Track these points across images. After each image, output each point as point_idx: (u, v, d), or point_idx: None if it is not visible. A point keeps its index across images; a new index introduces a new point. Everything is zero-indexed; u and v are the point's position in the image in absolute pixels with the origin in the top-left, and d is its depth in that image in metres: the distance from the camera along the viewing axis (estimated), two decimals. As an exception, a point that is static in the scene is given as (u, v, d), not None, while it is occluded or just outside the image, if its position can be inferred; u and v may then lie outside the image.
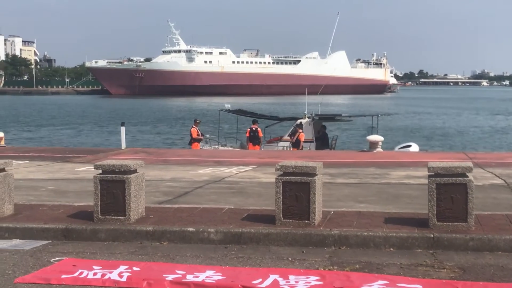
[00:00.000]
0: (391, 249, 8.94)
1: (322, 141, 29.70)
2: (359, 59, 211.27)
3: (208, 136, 31.85)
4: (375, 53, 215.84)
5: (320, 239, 9.16)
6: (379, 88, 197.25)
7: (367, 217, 10.19)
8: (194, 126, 29.47)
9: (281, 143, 29.19)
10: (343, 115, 33.75)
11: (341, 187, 14.59)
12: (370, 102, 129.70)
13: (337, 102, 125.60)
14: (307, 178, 9.61)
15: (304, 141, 28.17)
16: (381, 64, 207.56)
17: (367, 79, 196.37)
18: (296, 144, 27.52)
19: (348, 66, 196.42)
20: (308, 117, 29.97)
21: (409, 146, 28.35)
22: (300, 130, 27.96)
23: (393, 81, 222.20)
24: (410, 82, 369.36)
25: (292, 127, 29.46)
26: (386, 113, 39.27)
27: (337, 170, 17.74)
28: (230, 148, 29.49)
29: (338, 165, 18.98)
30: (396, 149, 28.76)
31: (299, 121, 29.75)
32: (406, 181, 15.69)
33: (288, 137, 29.11)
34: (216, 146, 30.30)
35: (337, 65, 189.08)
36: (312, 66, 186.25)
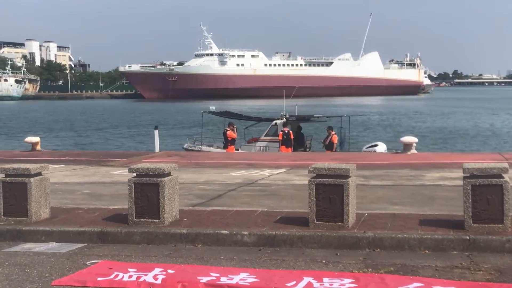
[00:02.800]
0: (426, 251, 8.86)
1: (297, 141, 30.20)
2: (392, 60, 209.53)
3: (196, 137, 33.18)
4: (408, 54, 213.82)
5: (354, 241, 9.11)
6: (412, 89, 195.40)
7: (401, 219, 10.11)
8: (228, 129, 29.69)
9: (258, 143, 30.03)
10: (314, 115, 34.59)
11: (375, 189, 14.50)
12: (404, 103, 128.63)
13: (369, 104, 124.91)
14: (341, 180, 9.57)
15: (277, 141, 29.07)
16: (414, 65, 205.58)
17: (401, 80, 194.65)
18: (329, 146, 27.34)
19: (381, 67, 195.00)
20: (287, 118, 30.66)
21: (376, 145, 28.84)
22: (333, 132, 27.82)
23: (427, 82, 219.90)
24: (444, 83, 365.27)
25: (269, 127, 30.52)
26: (359, 113, 39.54)
27: (371, 172, 17.63)
28: (217, 149, 30.30)
29: (371, 167, 18.87)
30: (364, 148, 29.02)
31: (274, 122, 30.52)
32: (441, 183, 15.53)
33: (266, 137, 30.23)
34: (201, 146, 31.35)
35: (370, 67, 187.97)
36: (344, 67, 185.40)
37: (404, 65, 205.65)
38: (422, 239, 8.97)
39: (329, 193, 9.60)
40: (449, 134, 56.21)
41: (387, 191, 14.21)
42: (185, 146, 33.68)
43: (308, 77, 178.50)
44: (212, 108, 34.79)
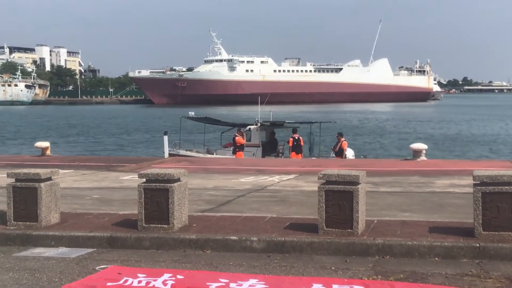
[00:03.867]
0: (436, 258, 8.83)
1: (270, 146, 31.07)
2: (402, 67, 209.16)
3: (175, 141, 34.00)
4: (418, 61, 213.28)
5: (363, 248, 9.09)
6: (422, 95, 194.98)
7: (411, 226, 10.08)
8: (237, 134, 29.79)
9: (231, 147, 30.54)
10: (286, 121, 35.20)
11: (385, 196, 14.47)
12: (413, 110, 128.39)
13: (378, 110, 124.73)
14: (350, 186, 9.56)
15: (251, 145, 30.04)
16: (424, 71, 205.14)
17: (410, 87, 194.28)
18: (339, 153, 27.28)
19: (391, 74, 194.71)
20: (260, 124, 31.44)
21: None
22: (343, 139, 27.79)
23: (436, 88, 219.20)
24: (454, 90, 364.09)
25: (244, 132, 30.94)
26: (329, 120, 40.37)
27: (381, 179, 17.59)
28: (196, 154, 31.02)
29: (381, 174, 18.83)
30: (332, 154, 29.34)
31: (248, 127, 31.24)
32: (451, 190, 15.48)
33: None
34: (179, 151, 32.00)
35: (379, 73, 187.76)
36: (354, 74, 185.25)
37: (413, 72, 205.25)
38: (432, 247, 8.94)
39: (339, 200, 9.59)
40: (458, 141, 56.05)
41: (397, 198, 14.18)
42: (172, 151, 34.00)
43: (317, 83, 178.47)
44: (191, 113, 35.75)
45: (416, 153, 23.89)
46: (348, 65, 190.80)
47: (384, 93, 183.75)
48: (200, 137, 38.89)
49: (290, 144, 28.73)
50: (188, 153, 31.62)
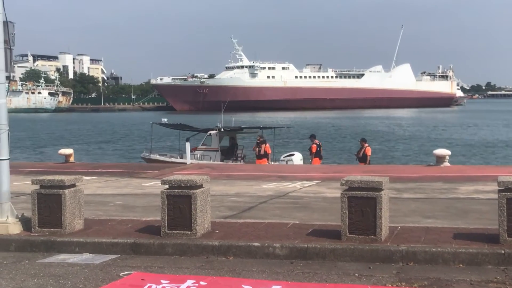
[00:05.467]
0: (461, 265, 8.75)
1: (229, 151, 32.07)
2: (424, 72, 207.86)
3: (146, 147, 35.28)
4: (440, 66, 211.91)
5: (387, 255, 9.04)
6: (445, 101, 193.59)
7: (435, 233, 10.00)
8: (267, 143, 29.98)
9: (196, 152, 31.74)
10: (242, 127, 35.99)
11: (408, 202, 14.38)
12: (436, 115, 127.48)
13: (400, 116, 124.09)
14: (373, 193, 9.52)
15: (211, 150, 31.29)
16: (447, 76, 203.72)
17: (433, 92, 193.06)
18: (362, 159, 27.13)
19: (413, 79, 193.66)
20: (220, 129, 32.26)
21: (292, 155, 30.25)
22: (366, 144, 27.66)
23: (459, 94, 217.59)
24: (477, 95, 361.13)
25: (205, 137, 32.42)
26: (284, 126, 40.68)
27: (404, 185, 17.49)
28: (171, 159, 32.03)
29: (404, 180, 18.72)
30: (282, 158, 30.20)
31: (209, 132, 32.32)
32: (475, 196, 15.34)
33: (202, 147, 32.09)
34: (149, 155, 33.67)
35: (401, 79, 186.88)
36: (376, 79, 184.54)
37: (436, 77, 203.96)
38: (456, 253, 8.86)
39: (362, 206, 9.54)
40: (482, 146, 55.53)
41: (420, 204, 14.08)
42: (142, 155, 35.95)
43: (339, 89, 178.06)
44: (164, 120, 36.69)
45: (440, 159, 23.70)
46: (370, 71, 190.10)
47: (406, 98, 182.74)
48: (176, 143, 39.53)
49: (314, 150, 28.71)
50: (162, 158, 32.99)
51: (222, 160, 30.67)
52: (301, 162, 29.31)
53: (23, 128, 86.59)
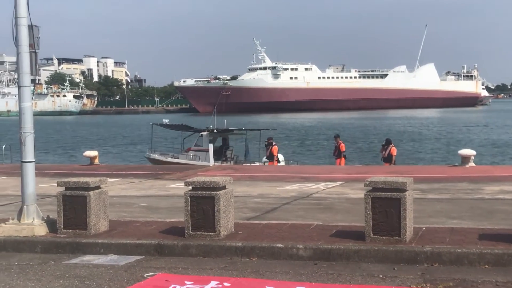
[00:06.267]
0: (486, 266, 8.66)
1: (219, 151, 33.14)
2: (448, 72, 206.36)
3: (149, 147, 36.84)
4: (465, 65, 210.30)
5: (411, 256, 8.98)
6: (470, 101, 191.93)
7: (460, 234, 9.92)
8: (275, 144, 30.16)
9: (190, 152, 33.42)
10: (233, 128, 36.98)
11: (433, 203, 14.28)
12: (461, 115, 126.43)
13: (424, 116, 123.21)
14: (397, 193, 9.46)
15: (201, 150, 32.51)
16: (472, 76, 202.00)
17: (458, 92, 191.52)
18: (387, 159, 26.99)
19: (437, 79, 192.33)
20: (210, 130, 33.68)
21: None
22: (392, 145, 27.53)
23: (484, 93, 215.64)
24: (502, 94, 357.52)
25: (197, 138, 33.99)
26: (271, 128, 41.66)
27: (428, 186, 17.37)
28: (171, 159, 33.57)
29: (429, 180, 18.60)
30: (264, 159, 30.93)
31: (201, 133, 33.78)
32: (501, 196, 15.19)
33: (194, 147, 33.54)
34: (154, 155, 35.38)
35: (425, 78, 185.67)
36: (399, 79, 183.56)
37: (461, 77, 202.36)
38: (482, 254, 8.77)
39: (386, 207, 9.49)
40: (507, 146, 54.94)
41: (445, 205, 13.98)
42: (145, 155, 37.95)
43: (362, 89, 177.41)
44: (166, 121, 38.24)
45: (465, 159, 23.51)
46: (394, 71, 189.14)
47: (431, 98, 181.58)
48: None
49: (343, 150, 28.85)
50: (159, 157, 34.74)
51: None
52: (282, 163, 30.10)
53: (49, 131, 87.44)
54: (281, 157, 30.82)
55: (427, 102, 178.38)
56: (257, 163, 30.50)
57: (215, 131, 33.59)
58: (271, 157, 29.85)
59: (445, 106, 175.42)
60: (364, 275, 8.41)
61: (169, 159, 33.68)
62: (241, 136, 37.17)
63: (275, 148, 29.79)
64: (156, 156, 35.15)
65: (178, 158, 33.43)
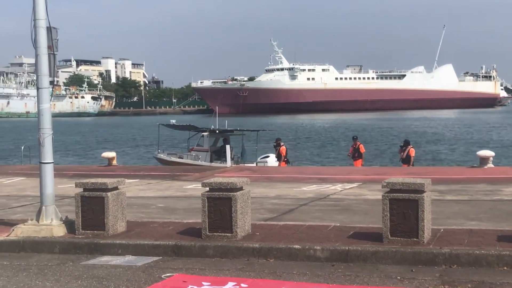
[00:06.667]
0: (505, 268, 8.59)
1: (219, 152, 33.61)
2: (467, 72, 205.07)
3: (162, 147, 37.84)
4: (484, 66, 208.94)
5: (429, 257, 8.93)
6: (488, 101, 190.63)
7: (478, 235, 9.85)
8: (283, 144, 30.26)
9: (192, 152, 34.28)
10: (233, 129, 37.08)
11: (451, 204, 14.19)
12: (479, 116, 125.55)
13: (442, 117, 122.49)
14: (415, 195, 9.42)
15: (202, 150, 33.49)
16: (490, 77, 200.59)
17: (476, 93, 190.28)
18: (406, 160, 26.87)
19: (456, 80, 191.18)
20: (210, 131, 34.37)
21: (267, 157, 31.74)
22: (410, 146, 27.43)
23: (503, 94, 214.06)
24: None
25: (198, 139, 34.90)
26: (269, 129, 42.14)
27: (446, 187, 17.27)
28: (178, 159, 34.25)
29: (447, 182, 18.49)
30: (258, 159, 31.37)
31: (202, 134, 34.74)
32: (520, 198, 15.05)
33: (196, 147, 34.29)
34: (160, 155, 36.08)
35: (444, 79, 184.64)
36: (417, 80, 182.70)
37: (479, 78, 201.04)
38: (501, 256, 8.70)
39: (404, 208, 9.45)
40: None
41: (463, 206, 13.89)
42: (153, 155, 38.77)
43: (380, 90, 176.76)
44: (173, 121, 38.85)
45: (483, 160, 23.33)
46: (412, 72, 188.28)
47: (449, 99, 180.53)
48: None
49: (363, 150, 28.78)
50: (165, 157, 35.38)
51: (211, 161, 32.48)
52: (275, 164, 30.33)
53: (68, 133, 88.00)
54: (273, 157, 31.24)
55: (445, 103, 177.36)
56: (254, 164, 30.67)
57: (217, 131, 34.13)
58: (279, 158, 30.10)
59: (463, 107, 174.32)
60: (382, 277, 8.38)
61: (172, 159, 34.45)
62: (240, 137, 37.44)
63: (283, 149, 30.04)
64: (162, 156, 35.95)
65: (182, 158, 34.29)
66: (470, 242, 9.39)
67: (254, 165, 30.16)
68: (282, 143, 30.58)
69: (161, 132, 39.32)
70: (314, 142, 62.67)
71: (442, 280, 8.12)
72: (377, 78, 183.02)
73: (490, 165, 23.27)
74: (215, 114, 37.82)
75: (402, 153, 27.24)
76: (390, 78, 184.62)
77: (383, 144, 58.62)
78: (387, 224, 9.53)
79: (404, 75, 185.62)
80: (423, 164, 37.10)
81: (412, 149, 27.43)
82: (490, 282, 7.94)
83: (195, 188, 17.93)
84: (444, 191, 16.39)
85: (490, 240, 9.47)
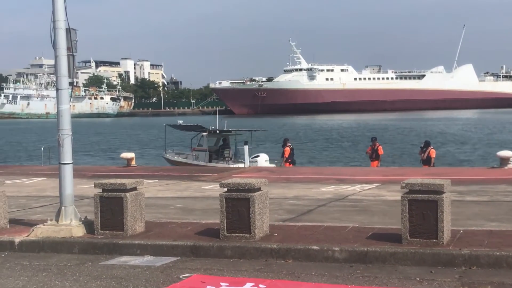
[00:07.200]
0: (526, 270, 8.49)
1: (218, 152, 34.07)
2: (487, 72, 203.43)
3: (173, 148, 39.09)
4: (504, 66, 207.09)
5: (449, 258, 8.86)
6: (509, 101, 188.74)
7: (499, 236, 9.76)
8: (288, 145, 30.17)
9: (194, 152, 34.92)
10: (231, 129, 37.27)
11: (471, 205, 14.08)
12: (500, 116, 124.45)
13: (462, 117, 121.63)
14: (435, 196, 9.35)
15: (201, 150, 33.94)
16: (511, 76, 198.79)
17: (496, 93, 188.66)
18: (426, 161, 26.70)
19: (476, 80, 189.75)
20: (210, 131, 34.72)
21: (257, 156, 31.95)
22: (430, 147, 27.27)
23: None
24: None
25: (199, 139, 35.17)
26: (259, 129, 42.57)
27: (466, 188, 17.14)
28: (185, 160, 34.70)
29: (467, 183, 18.34)
30: (250, 159, 31.04)
31: (201, 134, 35.15)
32: (541, 199, 14.89)
33: (197, 147, 34.73)
34: (166, 155, 36.99)
35: (463, 79, 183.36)
36: (437, 80, 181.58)
37: (499, 77, 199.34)
38: (522, 258, 8.61)
39: (423, 209, 9.39)
40: None
41: (483, 207, 13.77)
42: (162, 155, 39.05)
43: (399, 90, 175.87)
44: (180, 121, 39.43)
45: (504, 161, 23.13)
46: (431, 72, 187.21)
47: (469, 99, 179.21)
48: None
49: (381, 152, 28.60)
50: (170, 157, 36.24)
51: (210, 160, 32.86)
52: (266, 164, 30.66)
53: (88, 133, 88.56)
54: (265, 156, 31.70)
55: (465, 103, 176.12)
56: (242, 165, 30.55)
57: (217, 131, 34.60)
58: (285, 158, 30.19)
59: (484, 107, 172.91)
60: (401, 278, 8.33)
61: (176, 158, 35.32)
62: (241, 137, 37.56)
63: (286, 150, 30.01)
64: (168, 155, 36.78)
65: (187, 158, 35.07)
66: (490, 243, 9.31)
67: (243, 165, 30.20)
68: (289, 144, 30.48)
69: (177, 133, 39.69)
70: (336, 143, 62.49)
71: (461, 281, 8.06)
72: (396, 78, 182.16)
73: (511, 165, 23.07)
74: (215, 114, 39.14)
75: (422, 154, 27.07)
76: (410, 78, 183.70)
77: (402, 144, 58.30)
78: (406, 225, 9.47)
79: (424, 75, 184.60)
80: (443, 164, 36.84)
81: (433, 150, 27.26)
82: (510, 284, 7.86)
83: (213, 188, 17.96)
84: (464, 192, 16.27)
85: (510, 241, 9.38)
